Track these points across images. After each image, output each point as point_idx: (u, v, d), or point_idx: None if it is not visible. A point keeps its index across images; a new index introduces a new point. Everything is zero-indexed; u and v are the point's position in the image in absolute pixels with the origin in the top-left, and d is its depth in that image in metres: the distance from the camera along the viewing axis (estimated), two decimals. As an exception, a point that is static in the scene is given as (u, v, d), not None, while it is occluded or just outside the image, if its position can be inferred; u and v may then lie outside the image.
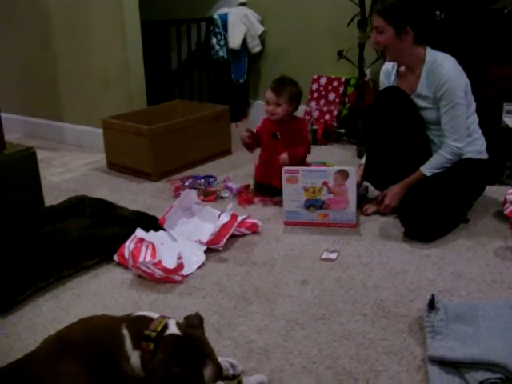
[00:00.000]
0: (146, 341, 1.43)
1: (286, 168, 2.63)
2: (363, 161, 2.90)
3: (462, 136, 2.58)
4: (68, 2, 3.99)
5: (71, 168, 3.73)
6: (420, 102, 2.64)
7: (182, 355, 1.40)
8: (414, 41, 2.57)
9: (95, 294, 2.17)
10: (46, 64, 4.30)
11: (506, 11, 3.15)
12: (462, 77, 2.56)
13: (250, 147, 3.07)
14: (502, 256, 2.33)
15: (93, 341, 1.49)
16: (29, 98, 4.56)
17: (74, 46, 4.06)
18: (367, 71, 3.83)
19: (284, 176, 2.63)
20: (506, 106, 3.05)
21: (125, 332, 1.47)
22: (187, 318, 1.55)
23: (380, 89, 2.86)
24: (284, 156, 2.82)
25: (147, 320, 1.49)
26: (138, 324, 1.48)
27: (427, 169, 2.61)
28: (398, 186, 2.66)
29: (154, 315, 1.52)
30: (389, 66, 2.81)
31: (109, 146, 3.62)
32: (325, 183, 2.60)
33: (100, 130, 3.69)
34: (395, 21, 2.52)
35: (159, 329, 1.44)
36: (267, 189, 3.02)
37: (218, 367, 1.45)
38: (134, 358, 1.44)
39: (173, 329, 1.46)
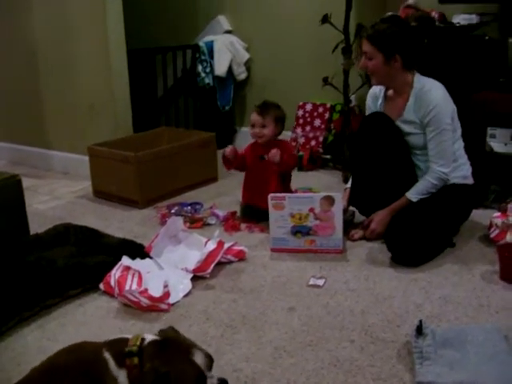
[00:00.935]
0: (130, 356, 1.44)
1: (272, 195, 2.63)
2: (349, 184, 2.90)
3: (448, 161, 2.60)
4: (54, 29, 4.01)
5: (57, 195, 3.71)
6: (406, 127, 2.65)
7: (166, 355, 1.42)
8: (402, 67, 2.59)
9: (81, 324, 2.15)
10: (31, 91, 4.30)
11: (486, 38, 3.20)
12: (449, 103, 2.59)
13: (229, 163, 3.06)
14: (488, 280, 2.33)
15: (82, 363, 1.48)
16: (15, 124, 4.55)
17: (60, 72, 4.07)
18: (352, 97, 3.86)
19: (270, 203, 2.63)
20: (490, 131, 3.08)
21: (106, 355, 1.48)
22: (162, 331, 1.56)
23: (366, 112, 2.88)
24: (274, 151, 2.82)
25: (124, 340, 1.50)
26: (117, 345, 1.50)
27: (413, 194, 2.61)
28: (384, 211, 2.67)
29: (129, 336, 1.53)
30: (376, 90, 2.83)
31: (95, 174, 3.61)
32: (311, 209, 2.60)
33: (86, 158, 3.68)
34: (385, 48, 2.54)
35: (138, 342, 1.46)
36: (254, 212, 3.01)
37: (207, 353, 1.48)
38: (122, 377, 1.44)
39: (151, 337, 1.47)
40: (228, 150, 3.01)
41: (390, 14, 2.64)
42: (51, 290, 2.27)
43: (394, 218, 2.60)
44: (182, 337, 1.54)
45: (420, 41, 2.65)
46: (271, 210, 2.64)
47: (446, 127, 2.56)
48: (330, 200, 2.58)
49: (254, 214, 3.02)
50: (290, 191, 3.03)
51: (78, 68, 3.94)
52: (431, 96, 2.55)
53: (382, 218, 2.66)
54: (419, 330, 1.87)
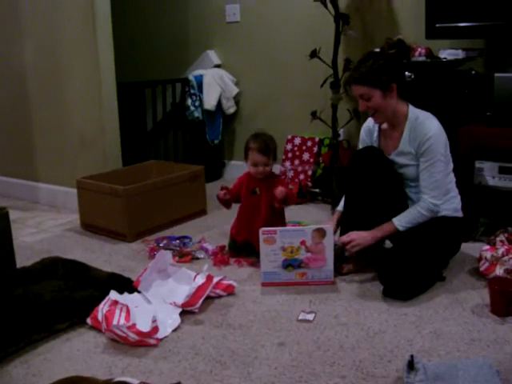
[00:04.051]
0: None
1: (264, 229, 2.62)
2: (339, 207, 2.88)
3: (440, 193, 2.59)
4: (44, 61, 4.03)
5: (44, 228, 3.69)
6: (402, 160, 2.66)
7: None
8: (397, 96, 2.61)
9: (67, 359, 2.11)
10: (20, 123, 4.30)
11: (473, 73, 3.25)
12: (443, 135, 2.60)
13: (227, 204, 3.06)
14: (479, 314, 2.32)
15: None
16: (2, 156, 4.54)
17: (49, 105, 4.08)
18: (341, 131, 3.89)
19: (261, 237, 2.61)
20: (478, 164, 3.10)
21: None
22: None
23: (360, 146, 2.88)
24: (281, 189, 2.82)
25: None
26: None
27: (401, 222, 2.59)
28: (368, 232, 2.64)
29: (135, 381, 1.48)
30: (370, 124, 2.84)
31: (83, 207, 3.59)
32: (303, 242, 2.59)
33: (74, 190, 3.66)
34: (379, 82, 2.54)
35: None
36: (244, 246, 3.00)
37: None
38: None
39: None
40: (221, 193, 3.00)
41: (364, 54, 2.66)
42: (37, 325, 2.24)
43: (387, 252, 2.58)
44: None
45: (403, 65, 2.66)
46: (262, 245, 2.62)
47: (441, 158, 2.56)
48: (321, 232, 2.58)
49: (243, 248, 3.01)
50: (285, 224, 3.02)
51: (68, 100, 3.95)
52: (426, 126, 2.56)
53: (361, 233, 2.63)
54: (411, 365, 1.85)
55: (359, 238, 2.62)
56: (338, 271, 2.74)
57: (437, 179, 2.57)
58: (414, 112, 2.64)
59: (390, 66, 2.56)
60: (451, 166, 2.70)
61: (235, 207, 3.09)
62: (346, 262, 2.80)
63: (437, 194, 2.58)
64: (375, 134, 2.80)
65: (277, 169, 3.03)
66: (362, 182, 2.68)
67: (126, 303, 2.34)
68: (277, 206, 2.87)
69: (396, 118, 2.66)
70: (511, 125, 3.02)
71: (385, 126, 2.76)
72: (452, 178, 2.71)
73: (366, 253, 2.80)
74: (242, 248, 3.01)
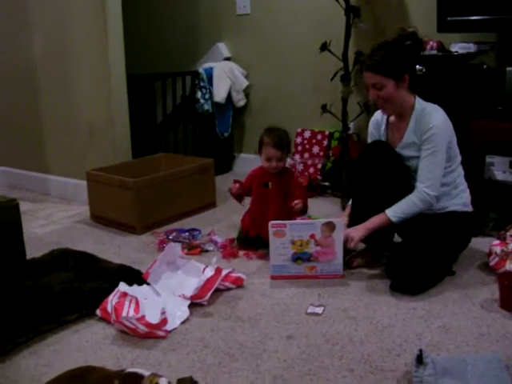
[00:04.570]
0: None
1: (273, 222, 2.62)
2: (351, 202, 2.88)
3: (435, 185, 2.56)
4: (54, 53, 4.04)
5: (54, 220, 3.70)
6: (407, 152, 2.65)
7: None
8: (408, 88, 2.60)
9: (76, 350, 2.12)
10: (30, 115, 4.32)
11: (485, 67, 3.23)
12: (448, 128, 2.58)
13: (239, 198, 3.07)
14: (488, 308, 2.31)
15: None
16: (13, 149, 4.56)
17: (59, 97, 4.09)
18: (351, 125, 3.87)
19: (271, 230, 2.61)
20: (489, 158, 3.09)
21: None
22: (180, 381, 1.50)
23: (368, 139, 2.88)
24: (297, 201, 2.84)
25: (138, 377, 1.45)
26: (129, 381, 1.44)
27: (393, 213, 2.57)
28: (361, 225, 2.64)
29: (146, 372, 1.48)
30: (378, 117, 2.83)
31: (93, 199, 3.61)
32: (312, 236, 2.59)
33: (84, 183, 3.67)
34: (393, 72, 2.53)
35: None
36: (254, 239, 3.01)
37: None
38: None
39: (165, 383, 1.42)
40: (234, 187, 3.01)
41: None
42: (47, 316, 2.25)
43: (395, 246, 2.58)
44: None
45: (415, 57, 2.65)
46: (271, 238, 2.62)
47: (441, 149, 2.53)
48: (331, 226, 2.57)
49: (253, 241, 3.01)
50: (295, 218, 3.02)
51: (77, 93, 3.96)
52: (431, 117, 2.54)
53: (356, 227, 2.63)
54: (419, 360, 1.84)
55: (352, 231, 2.62)
56: (347, 265, 2.74)
57: (434, 169, 2.55)
58: (420, 103, 2.63)
59: (404, 56, 2.55)
60: (459, 159, 2.68)
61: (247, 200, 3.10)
62: (355, 256, 2.79)
63: (432, 184, 2.55)
64: (383, 127, 2.79)
65: (287, 162, 3.04)
66: (370, 177, 2.67)
67: (135, 295, 2.35)
68: (295, 217, 2.89)
69: (403, 110, 2.65)
70: (522, 119, 3.00)
71: (392, 118, 2.75)
72: (460, 172, 2.70)
73: (375, 247, 2.80)
74: (252, 241, 3.01)
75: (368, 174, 2.69)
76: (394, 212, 2.57)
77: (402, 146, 2.67)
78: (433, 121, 2.53)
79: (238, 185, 3.02)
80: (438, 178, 2.57)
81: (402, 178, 2.66)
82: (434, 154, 2.54)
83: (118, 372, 1.50)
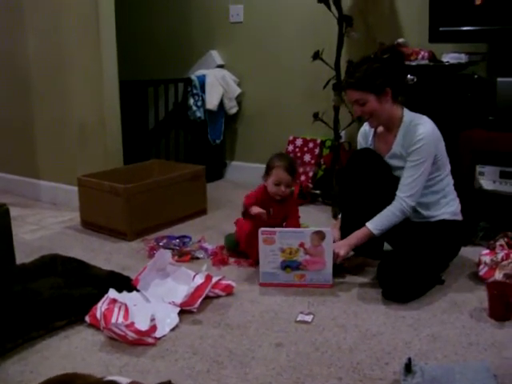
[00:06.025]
0: None
1: (263, 229, 2.62)
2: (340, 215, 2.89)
3: (415, 195, 2.58)
4: (46, 57, 4.03)
5: (45, 226, 3.69)
6: (395, 162, 2.67)
7: None
8: (392, 100, 2.61)
9: (65, 357, 2.11)
10: (21, 120, 4.31)
11: (476, 77, 3.25)
12: (436, 139, 2.59)
13: (251, 218, 2.93)
14: (477, 318, 2.32)
15: None
16: (3, 153, 4.54)
17: (51, 102, 4.08)
18: (342, 133, 3.88)
19: (261, 237, 2.61)
20: (479, 168, 3.10)
21: None
22: None
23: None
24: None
25: None
26: None
27: (373, 226, 2.59)
28: (344, 241, 2.66)
29: (124, 381, 1.47)
30: (366, 128, 2.85)
31: (84, 205, 3.60)
32: (301, 244, 2.59)
33: (75, 188, 3.66)
34: (373, 87, 2.55)
35: None
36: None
37: None
38: None
39: None
40: (262, 213, 2.84)
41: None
42: (36, 322, 2.24)
43: (386, 254, 2.58)
44: None
45: (399, 70, 2.67)
46: (261, 245, 2.62)
47: (427, 161, 2.55)
48: (320, 235, 2.57)
49: (243, 252, 3.01)
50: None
51: (70, 98, 3.95)
52: (419, 129, 2.56)
53: (339, 242, 2.66)
54: (408, 368, 1.85)
55: (336, 247, 2.63)
56: (339, 267, 2.72)
57: (417, 180, 2.57)
58: (408, 115, 2.65)
59: (384, 70, 2.57)
60: (448, 168, 2.70)
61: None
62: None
63: (412, 193, 2.57)
64: (370, 138, 2.82)
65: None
66: (358, 184, 2.69)
67: (124, 302, 2.34)
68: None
69: (391, 122, 2.67)
70: (513, 129, 3.02)
71: (380, 129, 2.77)
72: (450, 181, 2.71)
73: (365, 255, 2.82)
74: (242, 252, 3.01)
75: (356, 180, 2.70)
76: (375, 225, 2.60)
77: (390, 157, 2.69)
78: (420, 133, 2.55)
79: (258, 209, 2.86)
80: (419, 189, 2.59)
81: (390, 185, 2.67)
82: (419, 165, 2.56)
83: (98, 380, 1.50)
